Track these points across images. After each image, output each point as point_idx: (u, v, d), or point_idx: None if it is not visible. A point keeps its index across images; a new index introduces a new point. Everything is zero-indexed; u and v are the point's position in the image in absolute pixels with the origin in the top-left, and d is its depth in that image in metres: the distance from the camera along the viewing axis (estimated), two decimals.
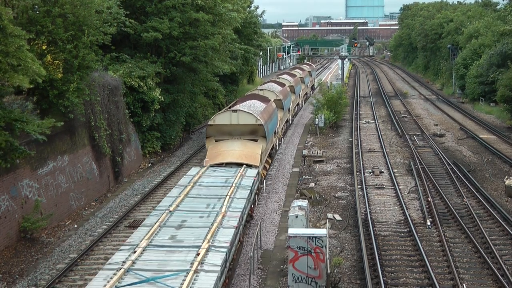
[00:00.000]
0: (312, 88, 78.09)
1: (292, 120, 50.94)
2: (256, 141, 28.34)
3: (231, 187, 20.72)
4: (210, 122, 28.72)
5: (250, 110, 29.27)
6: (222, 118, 28.40)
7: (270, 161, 33.31)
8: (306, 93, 68.04)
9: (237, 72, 54.77)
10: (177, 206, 18.14)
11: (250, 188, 21.07)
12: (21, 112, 21.03)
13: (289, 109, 45.87)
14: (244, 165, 24.52)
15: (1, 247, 19.92)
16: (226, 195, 19.56)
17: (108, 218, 24.42)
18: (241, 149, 27.14)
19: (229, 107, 31.12)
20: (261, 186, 27.70)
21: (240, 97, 41.72)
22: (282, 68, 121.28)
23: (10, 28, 17.89)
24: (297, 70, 67.32)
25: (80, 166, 26.12)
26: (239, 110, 28.51)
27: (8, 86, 19.29)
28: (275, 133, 34.47)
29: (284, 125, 43.20)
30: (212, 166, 24.57)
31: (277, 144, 36.94)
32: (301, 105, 60.98)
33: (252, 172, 23.68)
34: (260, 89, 41.41)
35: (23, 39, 18.54)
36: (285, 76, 54.68)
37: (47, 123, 20.30)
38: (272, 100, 36.21)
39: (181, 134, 40.27)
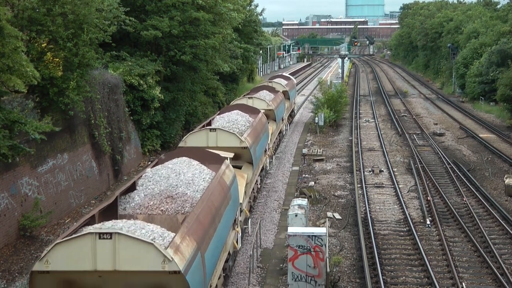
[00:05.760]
0: (291, 115, 50.72)
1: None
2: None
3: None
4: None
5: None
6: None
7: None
8: (281, 131, 40.17)
9: (237, 71, 54.65)
10: None
11: None
12: (21, 111, 21.02)
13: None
14: None
15: (1, 245, 19.91)
16: None
17: None
18: None
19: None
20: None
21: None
22: (282, 67, 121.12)
23: (8, 28, 17.83)
24: (263, 92, 37.92)
25: (80, 164, 26.11)
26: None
27: (5, 88, 19.25)
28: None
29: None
30: None
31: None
32: (266, 167, 30.78)
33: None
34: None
35: (20, 40, 18.49)
36: (235, 116, 25.22)
37: (45, 127, 20.21)
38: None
39: (181, 132, 40.24)
